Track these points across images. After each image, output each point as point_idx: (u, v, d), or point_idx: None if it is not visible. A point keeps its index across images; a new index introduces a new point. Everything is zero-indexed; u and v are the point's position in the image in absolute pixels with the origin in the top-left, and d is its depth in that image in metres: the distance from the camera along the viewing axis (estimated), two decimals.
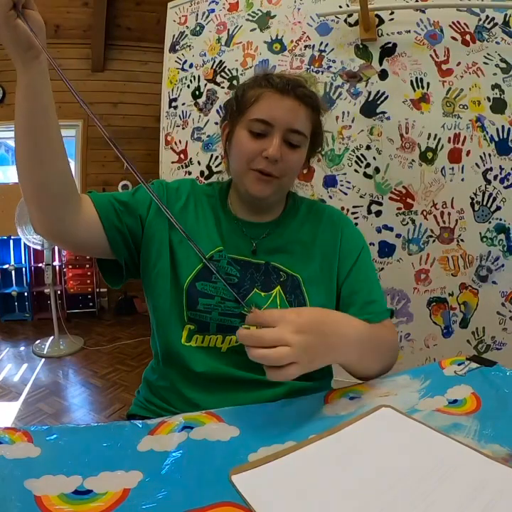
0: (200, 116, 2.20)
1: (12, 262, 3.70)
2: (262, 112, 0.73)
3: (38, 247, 3.06)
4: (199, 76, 2.19)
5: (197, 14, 2.20)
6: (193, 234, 0.77)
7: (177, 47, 2.27)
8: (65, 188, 0.66)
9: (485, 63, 1.68)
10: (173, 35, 2.28)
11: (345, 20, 1.87)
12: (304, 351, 0.54)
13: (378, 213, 1.85)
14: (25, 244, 3.58)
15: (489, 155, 1.69)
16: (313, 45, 1.92)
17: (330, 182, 1.91)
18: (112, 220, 0.73)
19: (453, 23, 1.72)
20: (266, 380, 0.73)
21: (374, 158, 1.83)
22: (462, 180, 1.73)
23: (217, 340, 0.74)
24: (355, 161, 1.87)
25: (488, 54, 1.67)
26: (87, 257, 3.71)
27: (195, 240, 0.76)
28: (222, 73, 2.12)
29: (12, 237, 3.62)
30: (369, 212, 1.86)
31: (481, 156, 1.70)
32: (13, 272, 3.72)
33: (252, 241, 0.80)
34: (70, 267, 3.71)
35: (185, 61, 2.24)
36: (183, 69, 2.25)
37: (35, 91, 0.60)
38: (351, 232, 0.87)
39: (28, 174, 0.63)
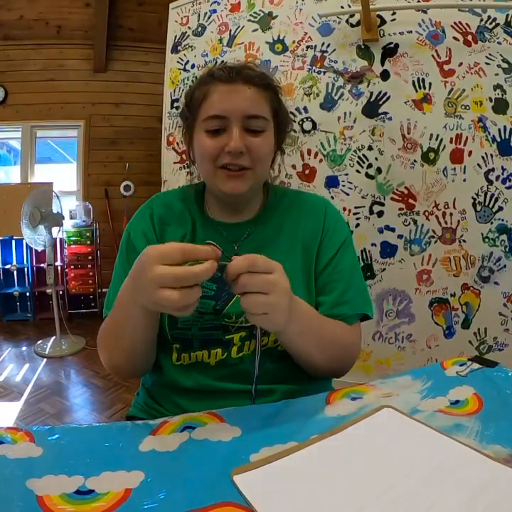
0: None
1: (14, 262, 3.70)
2: (212, 108, 0.69)
3: (40, 248, 3.06)
4: None
5: (199, 15, 2.20)
6: None
7: (179, 47, 2.27)
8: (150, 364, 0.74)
9: (487, 64, 1.68)
10: (175, 36, 2.28)
11: (347, 21, 1.87)
12: (282, 291, 0.55)
13: (380, 214, 1.85)
14: (27, 244, 3.59)
15: (491, 155, 1.69)
16: (315, 46, 1.92)
17: (332, 182, 1.91)
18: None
19: (455, 23, 1.72)
20: (257, 389, 0.72)
21: (376, 158, 1.83)
22: (464, 180, 1.73)
23: (204, 356, 0.72)
24: (357, 162, 1.87)
25: (489, 54, 1.67)
26: (89, 258, 3.71)
27: None
28: None
29: (14, 238, 3.62)
30: (371, 212, 1.86)
31: (482, 157, 1.70)
32: (15, 272, 3.72)
33: (233, 244, 0.76)
34: (72, 267, 3.71)
35: (187, 62, 2.24)
36: (184, 69, 2.25)
37: (147, 323, 0.63)
38: (335, 223, 0.80)
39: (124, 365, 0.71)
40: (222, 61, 2.08)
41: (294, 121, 1.95)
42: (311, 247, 0.77)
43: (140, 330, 0.63)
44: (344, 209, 1.87)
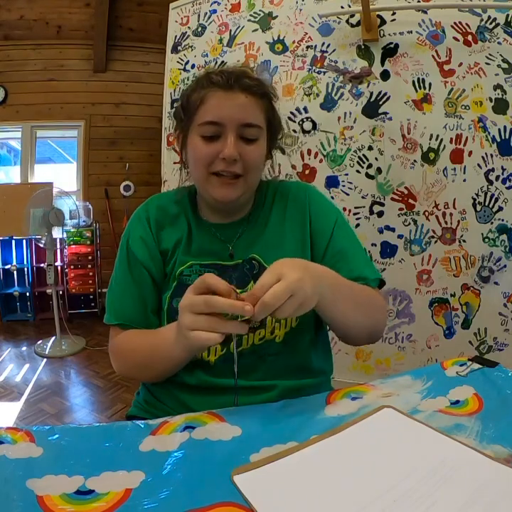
0: None
1: (14, 263, 3.71)
2: (209, 114, 0.70)
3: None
4: None
5: (199, 15, 2.20)
6: (167, 254, 0.78)
7: (179, 47, 2.27)
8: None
9: (487, 64, 1.68)
10: (175, 36, 2.28)
11: (347, 21, 1.87)
12: (296, 282, 0.54)
13: (380, 214, 1.85)
14: (27, 244, 3.59)
15: (491, 155, 1.69)
16: (315, 46, 1.92)
17: (332, 182, 1.91)
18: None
19: (455, 23, 1.72)
20: (258, 385, 0.72)
21: (376, 158, 1.83)
22: (464, 180, 1.73)
23: (204, 354, 0.73)
24: (357, 162, 1.87)
25: (490, 54, 1.67)
26: (89, 258, 3.72)
27: (169, 261, 0.77)
28: None
29: (14, 238, 3.63)
30: (371, 212, 1.86)
31: (483, 157, 1.70)
32: (15, 273, 3.72)
33: (228, 245, 0.78)
34: (72, 267, 3.71)
35: (187, 62, 2.24)
36: (185, 70, 2.25)
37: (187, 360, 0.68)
38: (319, 207, 0.82)
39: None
40: (222, 61, 2.10)
41: (294, 122, 1.95)
42: (300, 236, 0.79)
43: (177, 367, 0.70)
44: (344, 209, 1.87)
